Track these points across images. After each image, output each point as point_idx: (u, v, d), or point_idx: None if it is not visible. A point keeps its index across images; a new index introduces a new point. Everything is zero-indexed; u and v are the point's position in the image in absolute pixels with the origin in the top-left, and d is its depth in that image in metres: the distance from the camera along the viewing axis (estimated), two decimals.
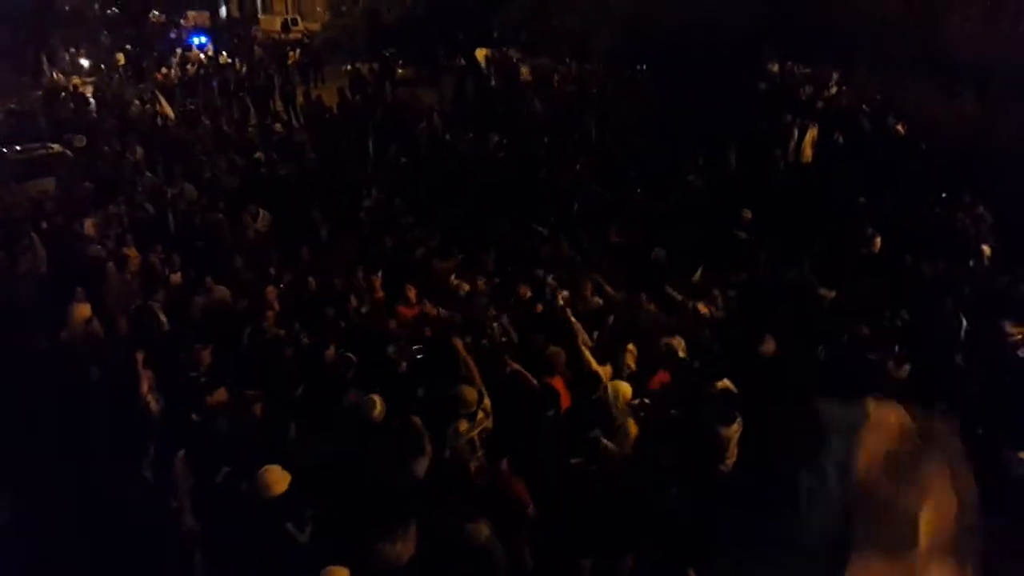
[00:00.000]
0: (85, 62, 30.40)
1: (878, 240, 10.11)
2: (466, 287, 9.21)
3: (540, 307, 8.65)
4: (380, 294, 8.99)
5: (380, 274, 9.39)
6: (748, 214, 11.28)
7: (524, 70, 21.19)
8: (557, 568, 5.64)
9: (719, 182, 12.42)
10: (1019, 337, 7.74)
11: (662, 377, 7.02)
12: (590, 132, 15.52)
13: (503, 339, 7.79)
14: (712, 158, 13.08)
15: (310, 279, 9.45)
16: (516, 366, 6.91)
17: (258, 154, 15.01)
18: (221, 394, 6.74)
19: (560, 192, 12.70)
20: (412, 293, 8.71)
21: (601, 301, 8.87)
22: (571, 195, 12.50)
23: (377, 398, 6.27)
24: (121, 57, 29.59)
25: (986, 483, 5.60)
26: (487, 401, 6.36)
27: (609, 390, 6.51)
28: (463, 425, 6.14)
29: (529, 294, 9.07)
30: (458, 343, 6.77)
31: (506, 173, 13.37)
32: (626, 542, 5.65)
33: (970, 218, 10.30)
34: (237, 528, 5.41)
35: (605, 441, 6.03)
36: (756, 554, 3.97)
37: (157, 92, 19.87)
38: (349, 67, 23.10)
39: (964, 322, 8.16)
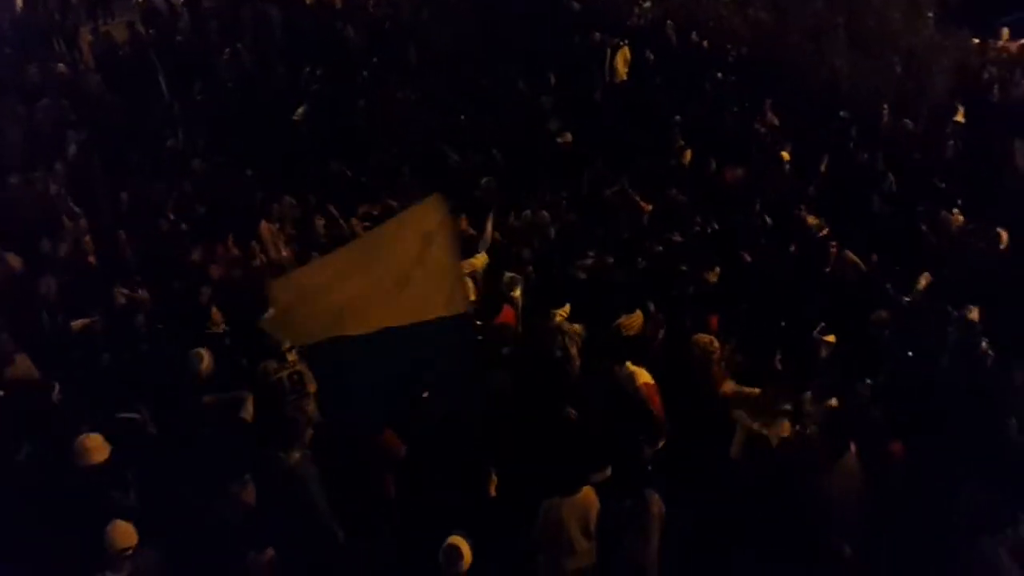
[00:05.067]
0: None
1: (688, 152, 10.64)
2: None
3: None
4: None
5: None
6: (568, 136, 11.57)
7: None
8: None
9: (541, 104, 12.54)
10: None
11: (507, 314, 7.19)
12: (409, 59, 15.14)
13: None
14: (532, 80, 13.15)
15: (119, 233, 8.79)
16: None
17: (44, 101, 13.57)
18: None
19: (384, 123, 12.40)
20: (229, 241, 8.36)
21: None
22: (397, 125, 12.25)
23: (204, 352, 6.21)
24: None
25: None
26: None
27: None
28: (270, 365, 6.21)
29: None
30: None
31: (322, 106, 12.86)
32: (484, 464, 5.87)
33: (766, 126, 11.01)
34: (56, 502, 5.10)
35: None
36: None
37: None
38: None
39: (769, 222, 8.83)
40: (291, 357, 6.24)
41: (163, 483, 5.10)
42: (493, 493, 5.28)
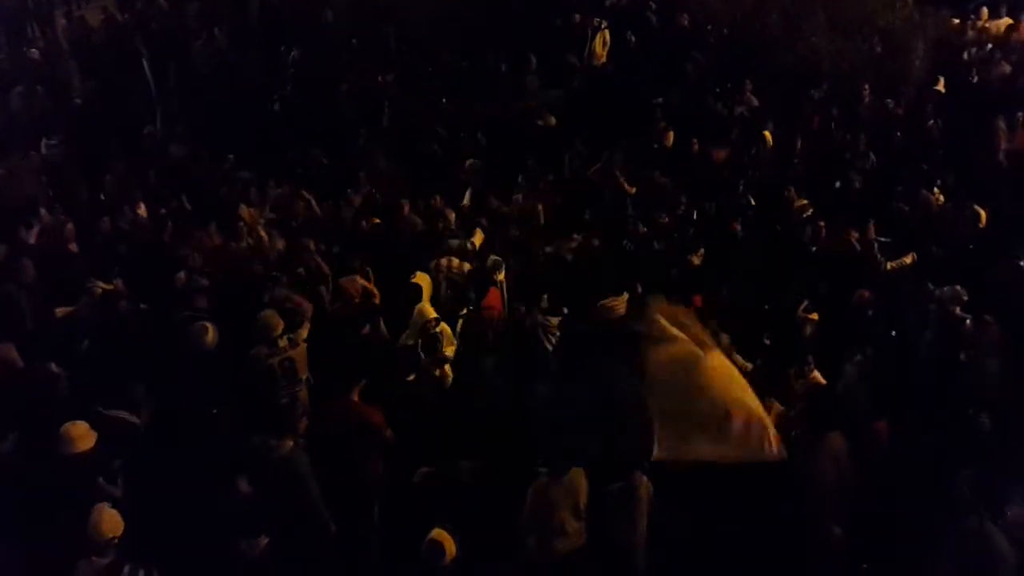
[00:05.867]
0: None
1: (671, 134, 10.61)
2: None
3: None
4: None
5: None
6: (552, 119, 11.53)
7: None
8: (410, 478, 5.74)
9: (525, 87, 12.48)
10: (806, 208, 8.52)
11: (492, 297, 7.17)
12: (389, 43, 15.00)
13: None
14: (515, 64, 13.06)
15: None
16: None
17: (19, 88, 13.34)
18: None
19: (365, 108, 12.30)
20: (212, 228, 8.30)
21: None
22: (377, 109, 12.15)
23: (209, 324, 6.16)
24: None
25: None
26: (302, 331, 6.28)
27: (414, 314, 6.58)
28: (261, 351, 6.13)
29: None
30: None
31: (303, 91, 12.73)
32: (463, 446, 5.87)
33: (747, 107, 11.00)
34: (43, 491, 5.06)
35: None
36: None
37: None
38: None
39: (752, 202, 8.87)
40: (282, 343, 6.15)
41: (152, 471, 5.05)
42: (467, 480, 5.31)
